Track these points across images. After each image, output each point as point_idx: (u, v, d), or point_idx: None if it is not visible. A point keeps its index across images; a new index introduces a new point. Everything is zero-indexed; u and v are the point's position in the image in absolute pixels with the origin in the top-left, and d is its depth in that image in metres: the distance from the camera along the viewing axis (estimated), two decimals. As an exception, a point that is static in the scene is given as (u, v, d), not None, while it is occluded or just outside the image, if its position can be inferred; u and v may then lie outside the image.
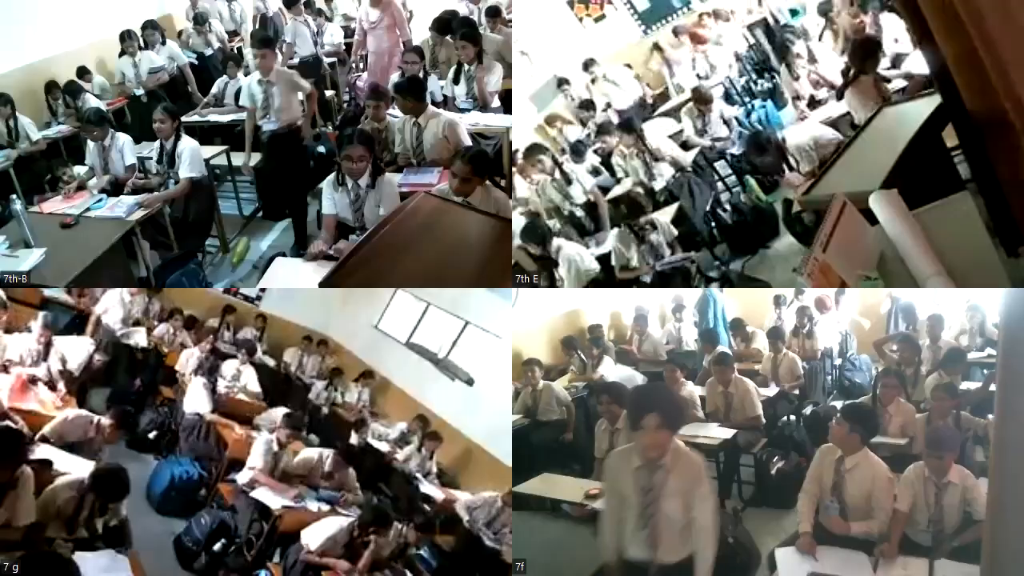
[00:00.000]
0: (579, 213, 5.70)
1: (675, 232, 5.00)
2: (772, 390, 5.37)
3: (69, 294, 5.95)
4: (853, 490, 3.18)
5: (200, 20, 8.24)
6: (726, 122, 6.47)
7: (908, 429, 4.18)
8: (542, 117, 7.95)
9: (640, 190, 5.73)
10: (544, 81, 8.05)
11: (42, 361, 4.48)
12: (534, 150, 5.59)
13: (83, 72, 7.04)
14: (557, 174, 5.96)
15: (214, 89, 7.16)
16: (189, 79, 7.68)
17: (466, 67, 5.81)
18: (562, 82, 7.79)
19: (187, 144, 5.05)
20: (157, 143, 5.13)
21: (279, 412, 5.05)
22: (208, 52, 8.21)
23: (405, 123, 5.08)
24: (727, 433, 4.65)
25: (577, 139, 7.04)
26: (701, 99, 6.35)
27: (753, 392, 4.93)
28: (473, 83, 5.76)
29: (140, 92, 7.19)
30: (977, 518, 3.05)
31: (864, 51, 4.76)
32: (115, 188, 5.13)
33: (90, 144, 5.24)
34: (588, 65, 7.96)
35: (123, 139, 5.22)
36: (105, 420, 3.90)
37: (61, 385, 4.52)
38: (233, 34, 8.82)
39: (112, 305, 5.86)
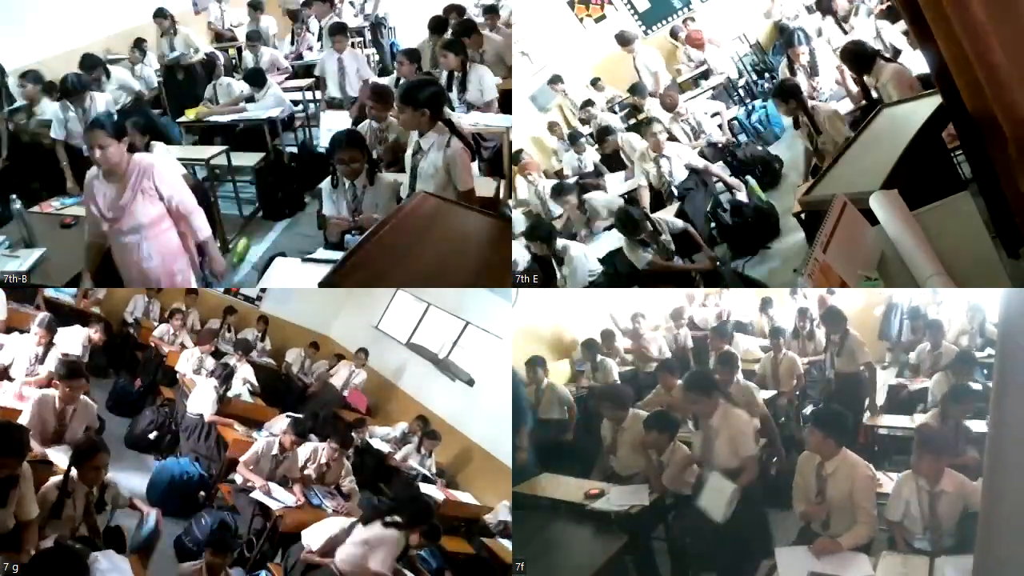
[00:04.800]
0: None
1: (679, 224, 4.96)
2: (771, 391, 5.35)
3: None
4: (835, 492, 3.21)
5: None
6: (720, 126, 6.46)
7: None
8: (542, 117, 7.96)
9: (647, 194, 5.78)
10: (544, 81, 8.06)
11: (40, 364, 4.46)
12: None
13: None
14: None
15: (207, 92, 7.12)
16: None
17: (456, 73, 5.77)
18: (555, 79, 7.73)
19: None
20: None
21: (286, 420, 4.94)
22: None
23: None
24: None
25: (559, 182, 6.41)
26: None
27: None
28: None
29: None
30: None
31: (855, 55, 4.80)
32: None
33: None
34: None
35: None
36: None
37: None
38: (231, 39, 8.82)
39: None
